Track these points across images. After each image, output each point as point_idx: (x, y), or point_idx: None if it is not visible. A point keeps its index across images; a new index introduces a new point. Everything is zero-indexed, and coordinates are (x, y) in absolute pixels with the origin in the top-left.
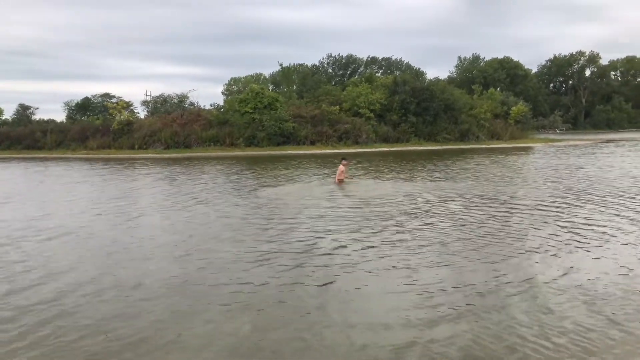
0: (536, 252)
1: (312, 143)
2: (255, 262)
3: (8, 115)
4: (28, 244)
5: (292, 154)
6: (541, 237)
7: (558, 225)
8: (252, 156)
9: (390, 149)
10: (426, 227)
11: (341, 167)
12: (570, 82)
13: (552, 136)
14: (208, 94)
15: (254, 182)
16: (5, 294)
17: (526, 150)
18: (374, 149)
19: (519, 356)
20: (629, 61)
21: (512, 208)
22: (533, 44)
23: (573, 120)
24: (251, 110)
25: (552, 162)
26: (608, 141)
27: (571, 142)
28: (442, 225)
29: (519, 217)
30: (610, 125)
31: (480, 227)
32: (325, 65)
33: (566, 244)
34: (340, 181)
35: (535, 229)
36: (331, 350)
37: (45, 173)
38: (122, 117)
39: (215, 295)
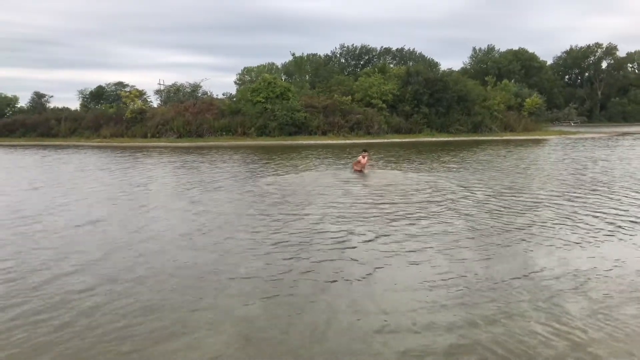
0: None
1: (324, 133)
2: (275, 251)
3: (23, 103)
4: (62, 231)
5: (304, 144)
6: (577, 227)
7: (592, 216)
8: (264, 146)
9: (403, 140)
10: (455, 216)
11: (360, 159)
12: (586, 74)
13: (566, 129)
14: (221, 84)
15: (271, 171)
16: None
17: (541, 142)
18: (386, 140)
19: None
20: None
21: (540, 199)
22: (549, 36)
23: (588, 113)
24: (263, 100)
25: (570, 154)
26: (624, 134)
27: (586, 135)
28: (467, 215)
29: (548, 208)
30: (627, 118)
31: (510, 218)
32: (338, 55)
33: (604, 234)
34: (359, 171)
35: (567, 219)
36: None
37: (64, 160)
38: (135, 105)
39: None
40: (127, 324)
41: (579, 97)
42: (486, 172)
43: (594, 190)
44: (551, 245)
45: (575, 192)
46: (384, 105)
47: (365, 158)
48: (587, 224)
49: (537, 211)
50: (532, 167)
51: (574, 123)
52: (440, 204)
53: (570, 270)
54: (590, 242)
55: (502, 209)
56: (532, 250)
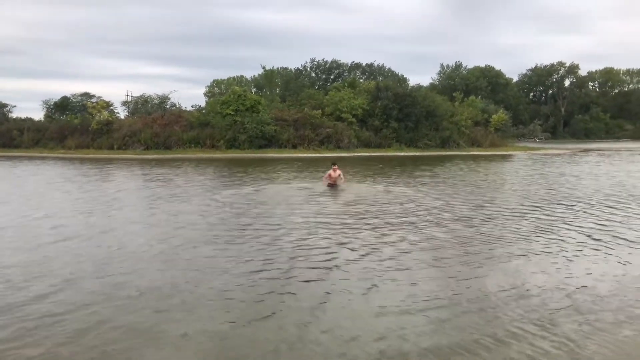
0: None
1: (294, 147)
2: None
3: None
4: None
5: (274, 157)
6: (563, 241)
7: (575, 231)
8: (233, 158)
9: (372, 154)
10: (435, 229)
11: (331, 173)
12: (550, 91)
13: (531, 145)
14: (190, 96)
15: (244, 184)
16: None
17: (508, 157)
18: (355, 154)
19: None
20: (607, 72)
21: (522, 212)
22: (515, 53)
23: (552, 129)
24: (233, 113)
25: (540, 169)
26: (587, 150)
27: (551, 151)
28: (437, 229)
29: (530, 221)
30: (589, 134)
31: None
32: (308, 69)
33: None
34: (331, 185)
35: (540, 232)
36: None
37: (32, 172)
38: (101, 116)
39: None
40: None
41: (543, 114)
42: (461, 187)
43: (572, 205)
44: (540, 259)
45: (553, 207)
46: (353, 120)
47: (337, 171)
48: (571, 237)
49: (520, 224)
50: (507, 182)
51: (538, 139)
52: (419, 216)
53: (561, 285)
54: (578, 256)
55: (485, 222)
56: (521, 264)
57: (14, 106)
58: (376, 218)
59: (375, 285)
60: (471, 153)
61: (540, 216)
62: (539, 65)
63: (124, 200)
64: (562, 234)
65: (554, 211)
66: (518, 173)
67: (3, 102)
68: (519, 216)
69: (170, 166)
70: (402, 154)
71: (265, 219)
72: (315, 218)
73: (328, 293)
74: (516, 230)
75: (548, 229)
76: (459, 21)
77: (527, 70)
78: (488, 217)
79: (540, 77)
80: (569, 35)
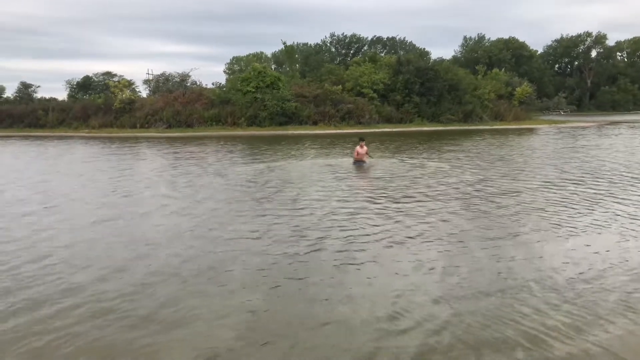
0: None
1: (315, 123)
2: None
3: (10, 93)
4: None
5: (295, 134)
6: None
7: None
8: (254, 136)
9: (394, 130)
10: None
11: (358, 149)
12: (576, 63)
13: (556, 118)
14: (210, 73)
15: (269, 159)
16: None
17: (534, 131)
18: (377, 130)
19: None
20: (636, 42)
21: (558, 187)
22: (539, 24)
23: (577, 101)
24: (253, 90)
25: (569, 143)
26: (614, 123)
27: (577, 124)
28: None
29: (569, 195)
30: (615, 107)
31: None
32: (328, 44)
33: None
34: (358, 161)
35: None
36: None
37: (64, 153)
38: (123, 95)
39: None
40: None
41: (568, 86)
42: (497, 161)
43: (616, 178)
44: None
45: (597, 180)
46: (374, 95)
47: (364, 147)
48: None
49: (570, 198)
50: (542, 156)
51: (563, 112)
52: (464, 191)
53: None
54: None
55: (533, 196)
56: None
57: (39, 86)
58: (423, 194)
59: (430, 266)
60: (495, 127)
61: (585, 189)
62: (564, 36)
63: (163, 178)
64: (616, 209)
65: (599, 185)
66: (551, 146)
67: (27, 82)
68: (566, 190)
69: (197, 143)
70: (425, 128)
71: (312, 197)
72: (359, 194)
73: (374, 277)
74: (569, 204)
75: (599, 202)
76: None
77: (552, 42)
78: (534, 190)
79: (566, 48)
80: (596, 4)
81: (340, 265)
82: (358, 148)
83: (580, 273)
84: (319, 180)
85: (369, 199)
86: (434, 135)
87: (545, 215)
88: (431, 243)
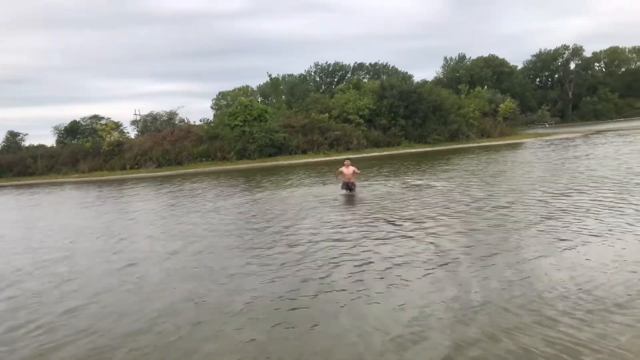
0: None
1: (304, 152)
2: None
3: None
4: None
5: (285, 164)
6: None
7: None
8: (244, 169)
9: (382, 153)
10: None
11: (343, 169)
12: (556, 75)
13: (541, 130)
14: (197, 110)
15: (259, 192)
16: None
17: (521, 145)
18: (366, 154)
19: None
20: (613, 52)
21: (562, 196)
22: (517, 40)
23: (560, 113)
24: (241, 123)
25: (561, 154)
26: (600, 132)
27: (563, 136)
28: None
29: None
30: (598, 116)
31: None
32: (312, 74)
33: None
34: (347, 186)
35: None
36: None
37: (59, 199)
38: (111, 138)
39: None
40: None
41: (551, 99)
42: (499, 177)
43: (615, 186)
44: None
45: (599, 190)
46: (361, 120)
47: (350, 167)
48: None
49: (577, 206)
50: (538, 168)
51: (548, 124)
52: (474, 207)
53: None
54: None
55: (543, 207)
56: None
57: (26, 134)
58: (444, 214)
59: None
60: (482, 144)
61: (590, 199)
62: (542, 50)
63: (161, 216)
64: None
65: (600, 193)
66: (545, 159)
67: (15, 131)
68: (572, 199)
69: (191, 181)
70: (413, 150)
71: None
72: (369, 216)
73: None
74: (580, 213)
75: (609, 209)
76: (460, 13)
77: (532, 57)
78: (542, 202)
79: (545, 62)
80: (570, 17)
81: (353, 296)
82: (343, 169)
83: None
84: (323, 211)
85: (377, 222)
86: (424, 156)
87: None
88: (454, 263)
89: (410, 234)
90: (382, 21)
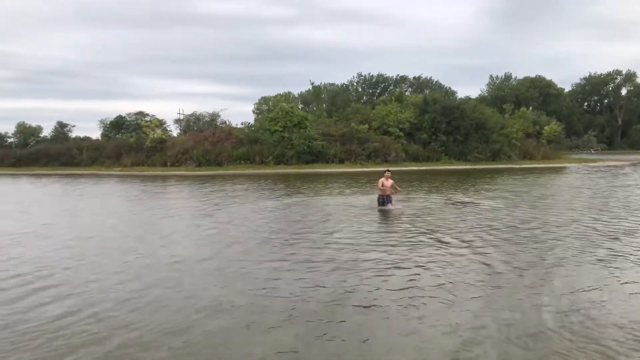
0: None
1: (341, 161)
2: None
3: (47, 132)
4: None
5: (321, 172)
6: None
7: None
8: (282, 174)
9: (421, 168)
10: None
11: (383, 180)
12: (606, 101)
13: (586, 156)
14: (239, 113)
15: (301, 200)
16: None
17: (563, 170)
18: (403, 167)
19: None
20: None
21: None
22: (566, 63)
23: (608, 140)
24: (281, 129)
25: (609, 181)
26: None
27: (610, 163)
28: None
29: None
30: None
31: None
32: (355, 84)
33: None
34: (382, 200)
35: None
36: None
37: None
38: (155, 135)
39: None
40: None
41: (598, 124)
42: (550, 200)
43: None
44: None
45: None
46: (401, 134)
47: (389, 181)
48: None
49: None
50: (583, 194)
51: (594, 150)
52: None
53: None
54: None
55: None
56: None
57: (74, 126)
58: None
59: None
60: (524, 166)
61: None
62: (593, 74)
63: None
64: None
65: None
66: (592, 185)
67: (64, 122)
68: (624, 227)
69: (233, 182)
70: (453, 167)
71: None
72: (418, 230)
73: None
74: (635, 243)
75: None
76: (509, 32)
77: (581, 80)
78: (593, 229)
79: (595, 86)
80: (624, 43)
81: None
82: (383, 180)
83: None
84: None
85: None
86: (465, 174)
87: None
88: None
89: (460, 252)
90: (428, 35)
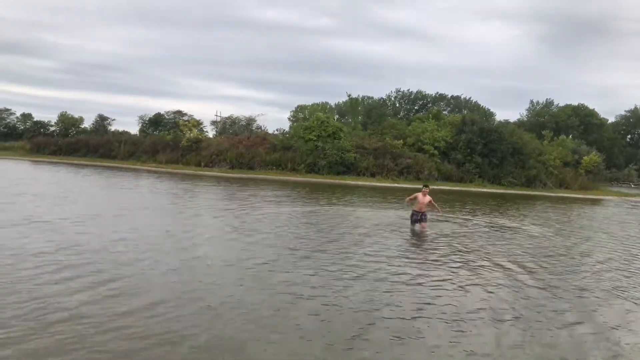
0: None
1: (372, 175)
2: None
3: (87, 124)
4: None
5: (352, 184)
6: None
7: None
8: (313, 183)
9: (453, 188)
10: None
11: (419, 196)
12: None
13: (625, 190)
14: (274, 119)
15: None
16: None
17: (601, 202)
18: (436, 186)
19: None
20: None
21: None
22: (612, 94)
23: None
24: (315, 138)
25: None
26: None
27: None
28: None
29: None
30: None
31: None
32: (392, 99)
33: None
34: (417, 217)
35: None
36: None
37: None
38: (191, 134)
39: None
40: None
41: None
42: (597, 230)
43: None
44: None
45: None
46: (435, 152)
47: (427, 197)
48: None
49: None
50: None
51: (634, 185)
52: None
53: None
54: None
55: None
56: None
57: (114, 119)
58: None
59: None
60: (560, 195)
61: None
62: (638, 106)
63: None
64: None
65: None
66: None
67: (104, 115)
68: None
69: (267, 187)
70: (486, 190)
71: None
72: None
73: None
74: None
75: None
76: (555, 58)
77: (626, 112)
78: None
79: None
80: None
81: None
82: (419, 195)
83: None
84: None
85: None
86: (502, 198)
87: None
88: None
89: (498, 279)
90: (471, 55)
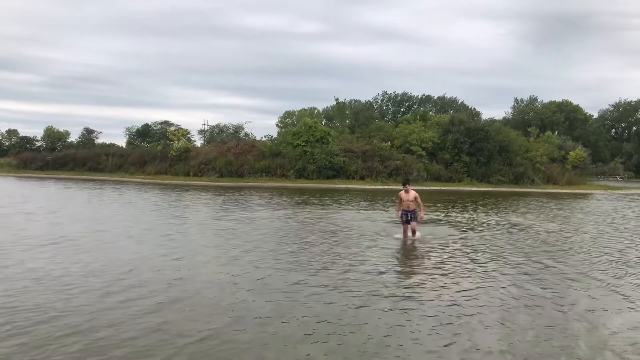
0: None
1: (362, 178)
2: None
3: (74, 137)
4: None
5: (342, 188)
6: None
7: None
8: (303, 188)
9: (442, 188)
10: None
11: (402, 194)
12: (634, 128)
13: (612, 183)
14: (262, 126)
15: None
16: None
17: (589, 196)
18: (425, 187)
19: None
20: None
21: None
22: (594, 88)
23: (635, 168)
24: (303, 143)
25: None
26: None
27: (635, 191)
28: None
29: None
30: None
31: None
32: (379, 101)
33: None
34: (407, 211)
35: None
36: None
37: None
38: (180, 144)
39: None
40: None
41: (626, 152)
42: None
43: None
44: None
45: None
46: (423, 153)
47: (410, 192)
48: None
49: None
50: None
51: (620, 178)
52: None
53: None
54: None
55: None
56: None
57: (100, 132)
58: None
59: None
60: (547, 190)
61: None
62: (622, 100)
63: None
64: None
65: None
66: (622, 211)
67: (91, 128)
68: None
69: (257, 194)
70: (475, 188)
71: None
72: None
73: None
74: None
75: None
76: (538, 55)
77: (609, 106)
78: None
79: (624, 113)
80: None
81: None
82: (403, 193)
83: None
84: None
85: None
86: (492, 196)
87: None
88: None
89: (522, 277)
90: (456, 55)
